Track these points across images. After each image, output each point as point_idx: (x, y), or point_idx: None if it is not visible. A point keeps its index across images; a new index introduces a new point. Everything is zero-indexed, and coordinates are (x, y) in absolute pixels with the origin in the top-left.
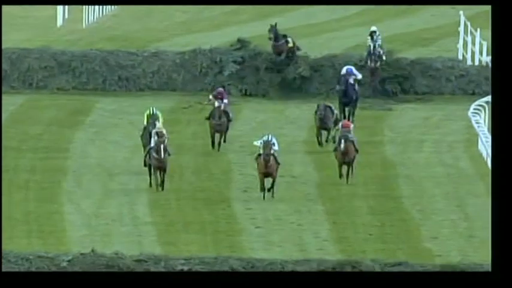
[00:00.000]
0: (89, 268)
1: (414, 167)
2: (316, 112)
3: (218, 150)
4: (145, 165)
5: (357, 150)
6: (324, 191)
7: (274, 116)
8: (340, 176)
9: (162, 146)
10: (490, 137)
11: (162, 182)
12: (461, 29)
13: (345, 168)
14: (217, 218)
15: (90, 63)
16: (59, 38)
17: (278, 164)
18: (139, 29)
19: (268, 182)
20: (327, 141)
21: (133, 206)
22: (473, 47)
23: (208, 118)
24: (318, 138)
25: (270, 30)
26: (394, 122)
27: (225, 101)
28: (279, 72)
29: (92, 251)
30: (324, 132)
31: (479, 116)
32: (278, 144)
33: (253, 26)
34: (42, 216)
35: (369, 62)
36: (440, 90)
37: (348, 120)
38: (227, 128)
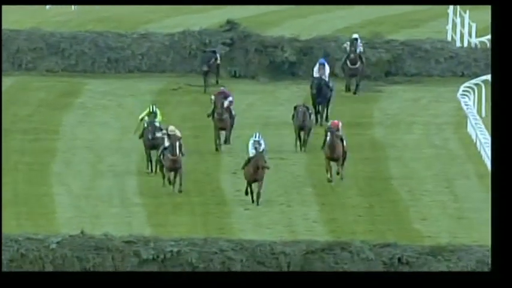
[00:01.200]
0: (78, 249)
1: (403, 149)
2: (293, 116)
3: (218, 149)
4: (156, 168)
5: (345, 150)
6: (313, 173)
7: (264, 97)
8: (327, 173)
9: (177, 146)
10: (479, 118)
11: (180, 183)
12: (451, 10)
13: (333, 166)
14: (206, 200)
15: (79, 45)
16: (48, 19)
17: (267, 168)
18: (128, 10)
19: (255, 186)
20: (305, 143)
21: (122, 187)
22: (463, 28)
23: (211, 115)
24: (296, 140)
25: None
26: (384, 104)
27: (230, 98)
28: (268, 55)
29: (81, 232)
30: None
31: (468, 98)
32: (265, 143)
33: (242, 8)
34: (31, 197)
35: (348, 63)
36: (429, 72)
37: (325, 119)
38: (231, 126)
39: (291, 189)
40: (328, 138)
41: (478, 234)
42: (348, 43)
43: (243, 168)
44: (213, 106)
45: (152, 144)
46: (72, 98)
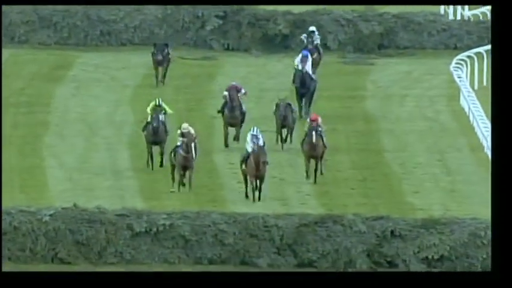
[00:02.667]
0: (70, 222)
1: (396, 122)
2: (275, 112)
3: (228, 146)
4: (152, 164)
5: (325, 146)
6: None
7: (256, 70)
8: (307, 173)
9: (192, 145)
10: (471, 91)
11: (190, 182)
12: None
13: (312, 163)
14: (199, 173)
15: (71, 18)
16: None
17: (267, 163)
18: None
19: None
20: (285, 140)
21: (115, 160)
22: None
23: (221, 111)
24: (278, 136)
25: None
26: (376, 77)
27: (243, 91)
28: (260, 28)
29: (74, 205)
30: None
31: (460, 71)
32: (263, 137)
33: None
34: (24, 170)
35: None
36: (422, 45)
37: (308, 113)
38: (242, 122)
39: (284, 162)
40: (313, 138)
41: (471, 207)
42: (305, 35)
43: (242, 164)
44: (224, 101)
45: (154, 140)
46: (64, 71)
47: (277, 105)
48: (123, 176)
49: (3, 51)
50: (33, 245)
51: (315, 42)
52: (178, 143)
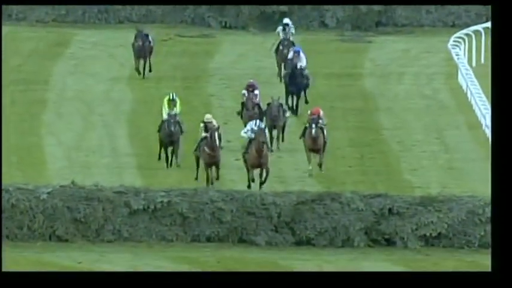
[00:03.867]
0: (68, 200)
1: (394, 99)
2: (266, 111)
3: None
4: (171, 163)
5: (325, 140)
6: (303, 123)
7: (254, 48)
8: (309, 164)
9: (216, 139)
10: (469, 68)
11: (217, 177)
12: None
13: (314, 156)
14: (197, 151)
15: None
16: None
17: (271, 151)
18: None
19: (257, 173)
20: (277, 140)
21: (113, 138)
22: None
23: (240, 113)
24: (269, 135)
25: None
26: (374, 55)
27: (257, 92)
28: (258, 5)
29: (72, 182)
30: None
31: (458, 48)
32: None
33: None
34: (22, 148)
35: (281, 47)
36: (420, 22)
37: (295, 112)
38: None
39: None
40: (313, 131)
41: (469, 184)
42: (281, 27)
43: (244, 154)
44: (243, 101)
45: (171, 140)
46: (62, 48)
47: (268, 105)
48: (121, 153)
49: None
50: (31, 222)
51: (289, 35)
52: (202, 135)
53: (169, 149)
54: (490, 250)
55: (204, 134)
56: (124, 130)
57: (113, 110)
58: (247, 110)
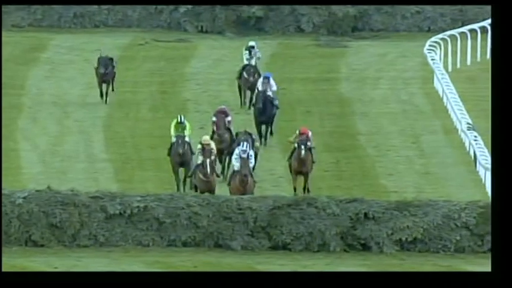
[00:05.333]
0: (44, 205)
1: (370, 104)
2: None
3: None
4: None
5: (313, 161)
6: (280, 128)
7: (230, 53)
8: (295, 189)
9: (208, 164)
10: (445, 73)
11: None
12: None
13: (300, 179)
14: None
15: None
16: None
17: (255, 182)
18: None
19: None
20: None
21: (89, 143)
22: None
23: (211, 137)
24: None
25: None
26: (350, 59)
27: (229, 118)
28: (234, 10)
29: (48, 187)
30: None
31: (434, 53)
32: (255, 156)
33: None
34: None
35: (244, 74)
36: (395, 27)
37: (265, 141)
38: (230, 145)
39: (257, 143)
40: (302, 152)
41: (444, 189)
42: (246, 52)
43: (229, 183)
44: (214, 127)
45: (181, 161)
46: (38, 53)
47: (236, 135)
48: (97, 158)
49: None
50: (7, 227)
51: (255, 59)
52: (199, 161)
53: (180, 169)
54: (465, 255)
55: (199, 160)
56: (100, 135)
57: (88, 115)
58: (219, 136)
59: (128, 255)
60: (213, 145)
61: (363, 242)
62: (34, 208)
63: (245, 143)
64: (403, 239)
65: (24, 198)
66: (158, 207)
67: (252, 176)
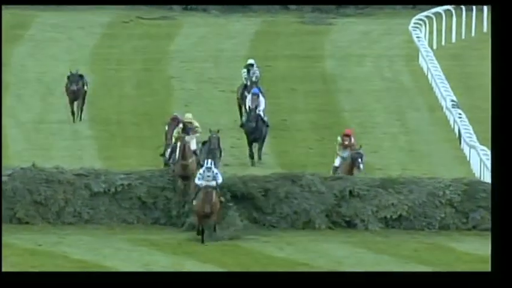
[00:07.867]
0: (29, 182)
1: (354, 81)
2: (202, 146)
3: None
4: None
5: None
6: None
7: (215, 30)
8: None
9: (186, 147)
10: (430, 50)
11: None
12: None
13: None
14: (157, 133)
15: None
16: None
17: (221, 202)
18: None
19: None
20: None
21: (73, 120)
22: None
23: (162, 155)
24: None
25: None
26: (335, 37)
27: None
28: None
29: (33, 165)
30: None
31: (419, 30)
32: (222, 175)
33: None
34: None
35: (246, 94)
36: (380, 5)
37: (258, 158)
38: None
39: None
40: (355, 163)
41: (429, 166)
42: (245, 70)
43: (192, 201)
44: (167, 136)
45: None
46: (22, 30)
47: (209, 138)
48: (81, 135)
49: None
50: None
51: (255, 77)
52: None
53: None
54: (450, 232)
55: (178, 144)
56: (84, 112)
57: None
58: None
59: (112, 233)
60: (196, 123)
61: (347, 219)
62: (19, 185)
63: (208, 161)
64: (388, 216)
65: (8, 175)
66: (141, 186)
67: (217, 192)
